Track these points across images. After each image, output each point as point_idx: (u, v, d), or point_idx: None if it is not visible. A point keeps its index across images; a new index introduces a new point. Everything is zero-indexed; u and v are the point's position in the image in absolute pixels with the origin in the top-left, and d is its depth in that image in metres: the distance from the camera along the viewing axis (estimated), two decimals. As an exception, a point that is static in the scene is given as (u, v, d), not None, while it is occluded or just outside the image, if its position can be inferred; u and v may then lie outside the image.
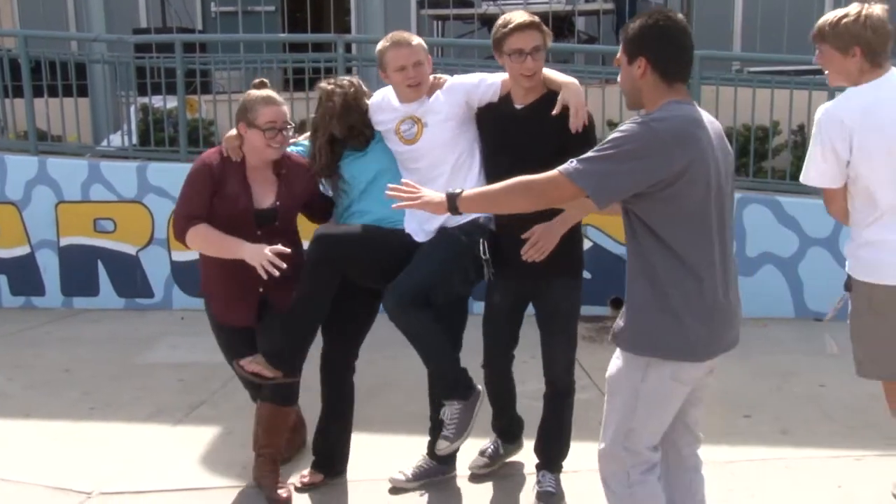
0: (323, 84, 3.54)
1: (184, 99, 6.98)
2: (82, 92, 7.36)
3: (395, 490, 3.59)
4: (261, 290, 3.40)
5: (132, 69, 7.28)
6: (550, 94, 3.24)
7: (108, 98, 7.77)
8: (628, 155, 2.32)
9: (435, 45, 7.37)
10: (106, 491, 3.65)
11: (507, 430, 3.77)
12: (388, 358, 4.43)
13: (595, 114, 3.29)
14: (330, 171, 3.52)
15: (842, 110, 3.03)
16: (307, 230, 3.54)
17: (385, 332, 3.52)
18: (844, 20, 3.03)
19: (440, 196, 2.64)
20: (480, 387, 3.38)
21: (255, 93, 3.43)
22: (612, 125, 6.52)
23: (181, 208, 3.42)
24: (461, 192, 2.61)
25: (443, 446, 3.33)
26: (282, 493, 3.49)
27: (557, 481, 3.49)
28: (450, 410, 3.30)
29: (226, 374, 4.15)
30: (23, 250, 6.90)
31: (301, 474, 3.66)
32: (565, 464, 3.54)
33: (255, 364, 3.38)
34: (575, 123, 3.14)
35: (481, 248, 3.30)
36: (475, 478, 3.71)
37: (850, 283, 3.16)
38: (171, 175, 6.42)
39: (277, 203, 3.45)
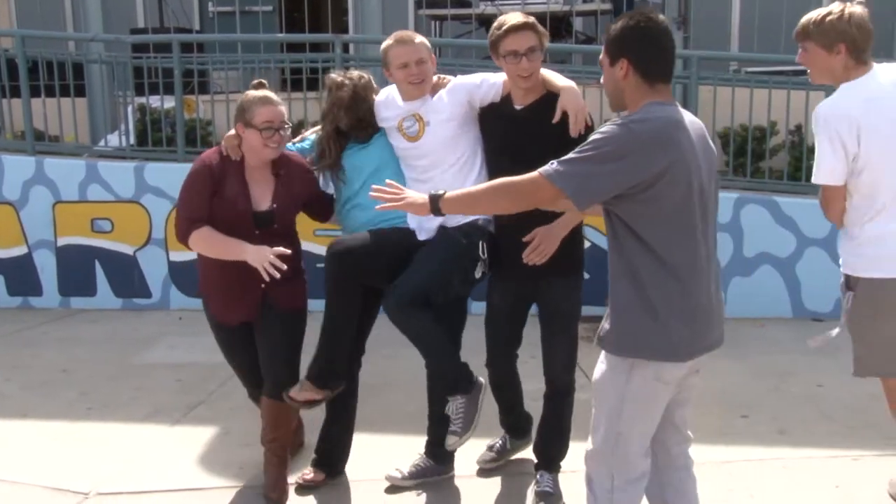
0: (333, 75, 3.57)
1: (181, 99, 6.97)
2: (80, 92, 7.34)
3: (393, 489, 3.59)
4: (262, 285, 3.40)
5: (129, 69, 7.25)
6: (550, 94, 3.24)
7: (105, 98, 7.76)
8: (609, 156, 2.32)
9: (433, 46, 7.34)
10: (103, 491, 3.65)
11: (516, 425, 3.79)
12: (387, 357, 4.42)
13: (593, 114, 3.29)
14: (333, 162, 3.54)
15: (847, 104, 3.02)
16: (307, 230, 3.54)
17: (385, 332, 3.52)
18: (829, 18, 3.03)
19: (423, 197, 2.63)
20: (482, 379, 3.39)
21: (252, 93, 3.43)
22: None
23: (183, 211, 3.42)
24: (443, 194, 2.60)
25: (452, 441, 3.33)
26: (273, 494, 3.49)
27: (556, 481, 3.49)
28: (454, 405, 3.31)
29: (224, 374, 4.15)
30: (20, 250, 6.88)
31: (302, 473, 3.66)
32: (564, 464, 3.54)
33: (304, 393, 3.41)
34: (575, 129, 3.14)
35: (480, 249, 3.31)
36: (483, 472, 3.74)
37: (850, 283, 3.15)
38: (169, 175, 6.42)
39: (275, 205, 3.46)
